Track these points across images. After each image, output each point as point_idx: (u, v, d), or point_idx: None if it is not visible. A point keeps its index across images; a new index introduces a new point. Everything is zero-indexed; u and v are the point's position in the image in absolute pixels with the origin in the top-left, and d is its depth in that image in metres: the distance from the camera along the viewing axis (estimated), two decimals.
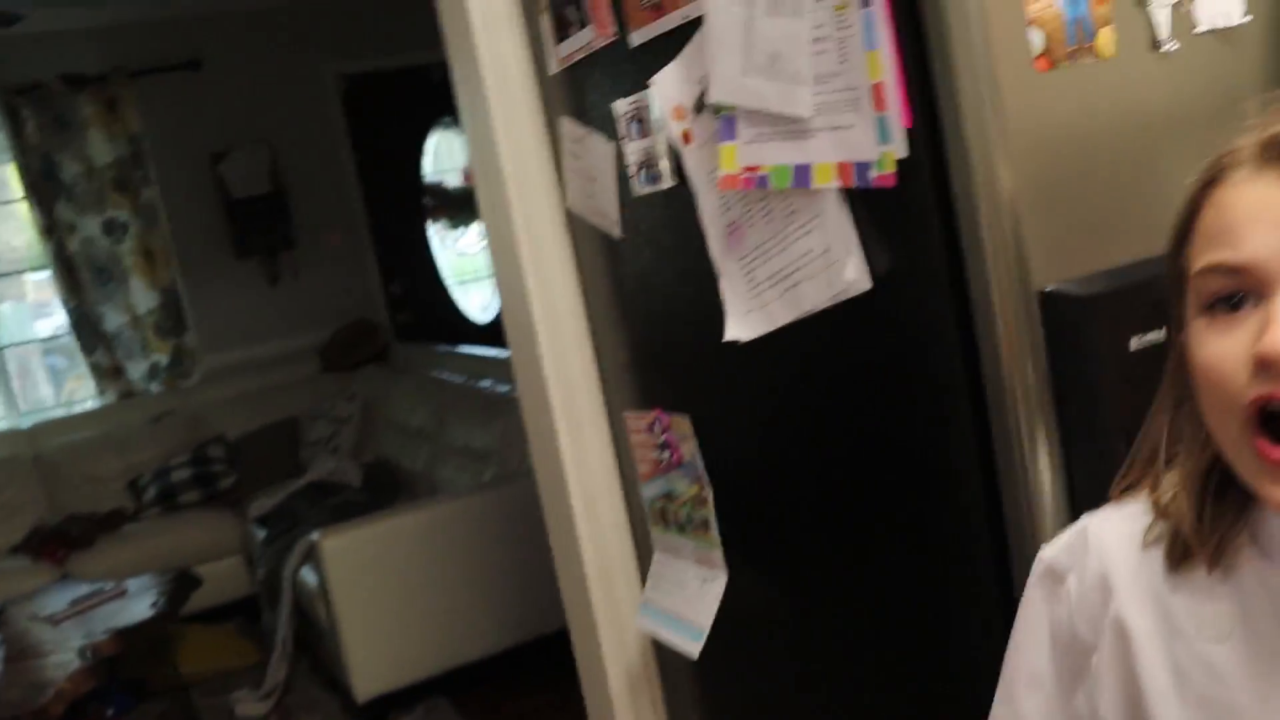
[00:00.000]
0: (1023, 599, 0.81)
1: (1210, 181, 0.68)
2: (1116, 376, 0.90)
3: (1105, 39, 0.92)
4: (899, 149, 0.96)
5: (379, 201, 4.95)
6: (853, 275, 1.03)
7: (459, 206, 5.04)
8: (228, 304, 4.67)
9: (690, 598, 1.44)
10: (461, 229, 5.08)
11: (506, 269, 1.64)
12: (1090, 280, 0.90)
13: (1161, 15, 0.94)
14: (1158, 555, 0.74)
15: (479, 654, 3.36)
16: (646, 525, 1.57)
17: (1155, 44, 0.95)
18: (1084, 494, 0.93)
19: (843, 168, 1.02)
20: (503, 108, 1.55)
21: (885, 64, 0.96)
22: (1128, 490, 0.78)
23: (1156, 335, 0.90)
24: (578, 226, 1.56)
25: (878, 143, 0.98)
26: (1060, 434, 0.92)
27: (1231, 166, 0.67)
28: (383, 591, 3.18)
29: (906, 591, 1.14)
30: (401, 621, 3.22)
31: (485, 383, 3.89)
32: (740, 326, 1.20)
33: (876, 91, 0.97)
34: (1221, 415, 0.66)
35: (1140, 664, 0.73)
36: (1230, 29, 0.97)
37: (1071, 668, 0.78)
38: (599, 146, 1.42)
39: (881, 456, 1.11)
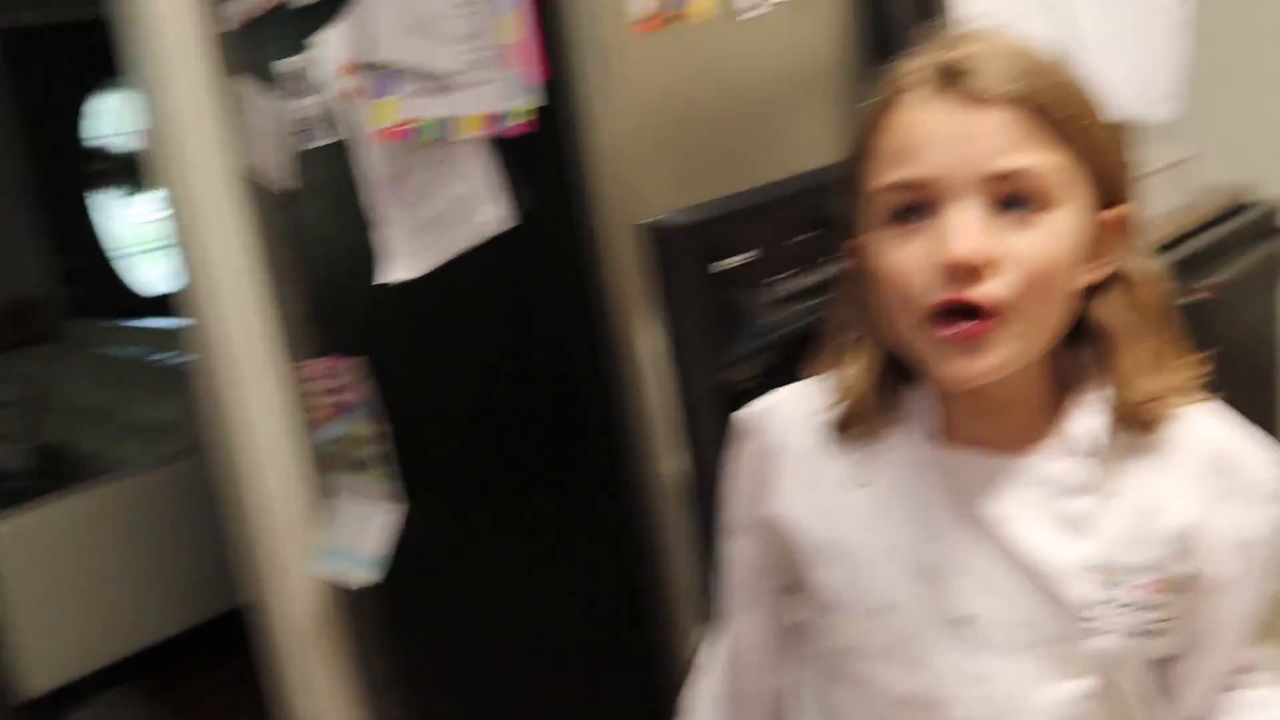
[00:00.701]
0: (726, 455, 0.92)
1: (884, 106, 0.75)
2: (707, 294, 1.10)
3: (696, 6, 1.10)
4: (532, 102, 1.10)
5: (44, 168, 4.61)
6: (494, 216, 1.17)
7: (131, 172, 4.79)
8: None
9: (366, 531, 1.54)
10: (135, 196, 4.83)
11: (183, 230, 1.67)
12: (682, 213, 1.09)
13: None
14: (823, 425, 0.84)
15: (167, 633, 3.26)
16: (321, 472, 1.65)
17: (738, 11, 1.13)
18: (689, 394, 1.11)
19: (485, 119, 1.15)
20: (175, 66, 1.58)
21: (519, 26, 1.10)
22: (814, 369, 0.87)
23: (732, 260, 1.10)
24: (253, 183, 1.62)
25: (514, 97, 1.12)
26: (665, 346, 1.09)
27: (905, 90, 0.74)
28: (58, 578, 3.03)
29: (556, 506, 1.29)
30: (80, 607, 3.08)
31: (165, 355, 3.77)
32: (401, 268, 1.32)
33: (513, 50, 1.11)
34: (903, 312, 0.74)
35: (791, 511, 0.84)
36: None
37: (759, 518, 0.88)
38: (271, 104, 1.48)
39: (525, 380, 1.26)
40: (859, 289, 0.81)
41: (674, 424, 1.11)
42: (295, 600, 1.74)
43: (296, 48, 1.39)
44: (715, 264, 1.10)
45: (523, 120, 1.11)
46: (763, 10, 1.16)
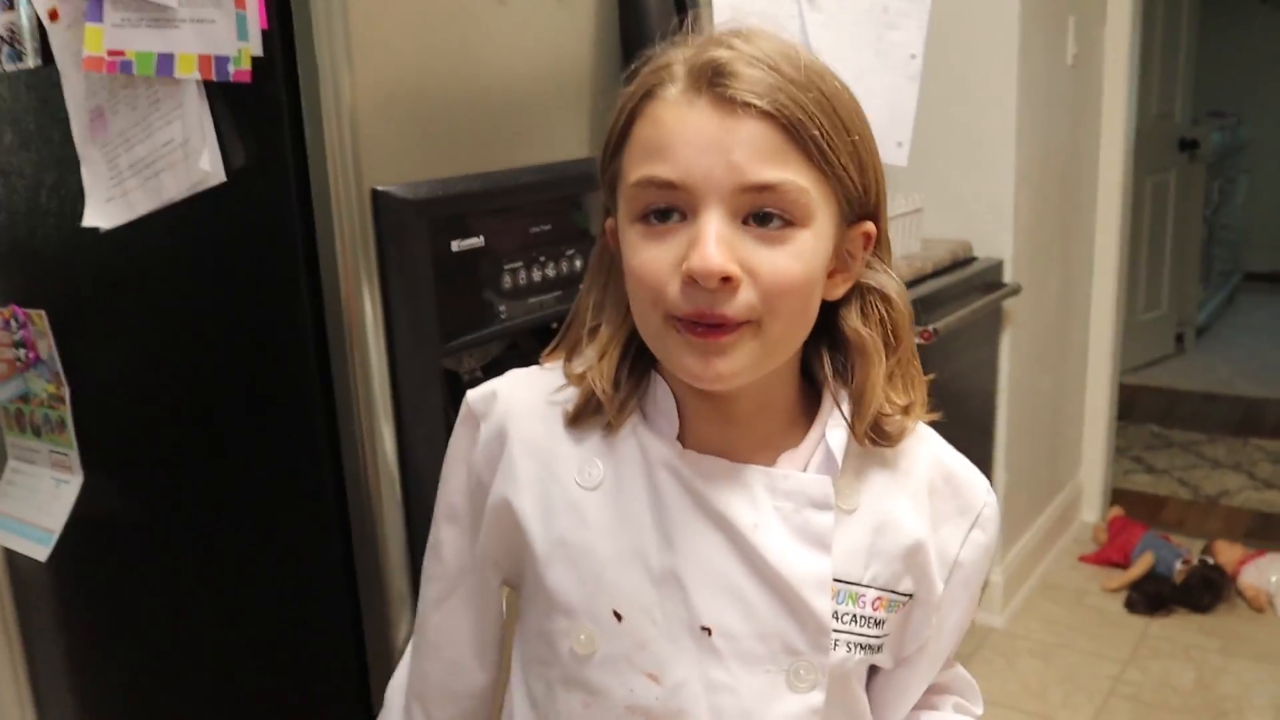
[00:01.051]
0: (451, 437, 0.88)
1: (645, 95, 0.74)
2: (438, 273, 1.03)
3: None
4: (256, 47, 1.01)
5: None
6: (208, 167, 1.06)
7: None
8: None
9: (43, 502, 1.39)
10: None
11: None
12: (419, 186, 1.02)
13: None
14: (558, 414, 0.83)
15: None
16: (1, 432, 1.49)
17: None
18: (407, 375, 1.04)
19: (204, 60, 1.05)
20: None
21: None
22: (553, 356, 0.86)
23: (475, 241, 1.04)
24: None
25: (237, 39, 1.02)
26: (385, 323, 1.02)
27: (665, 83, 0.73)
28: None
29: (251, 490, 1.19)
30: None
31: None
32: (100, 214, 1.19)
33: None
34: (648, 310, 0.74)
35: (519, 503, 0.82)
36: None
37: (479, 506, 0.86)
38: None
39: (231, 349, 1.15)
40: (609, 274, 0.81)
41: (390, 404, 1.04)
42: None
43: None
44: (453, 242, 1.03)
45: (246, 67, 1.01)
46: None
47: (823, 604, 0.77)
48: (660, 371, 0.81)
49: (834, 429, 0.79)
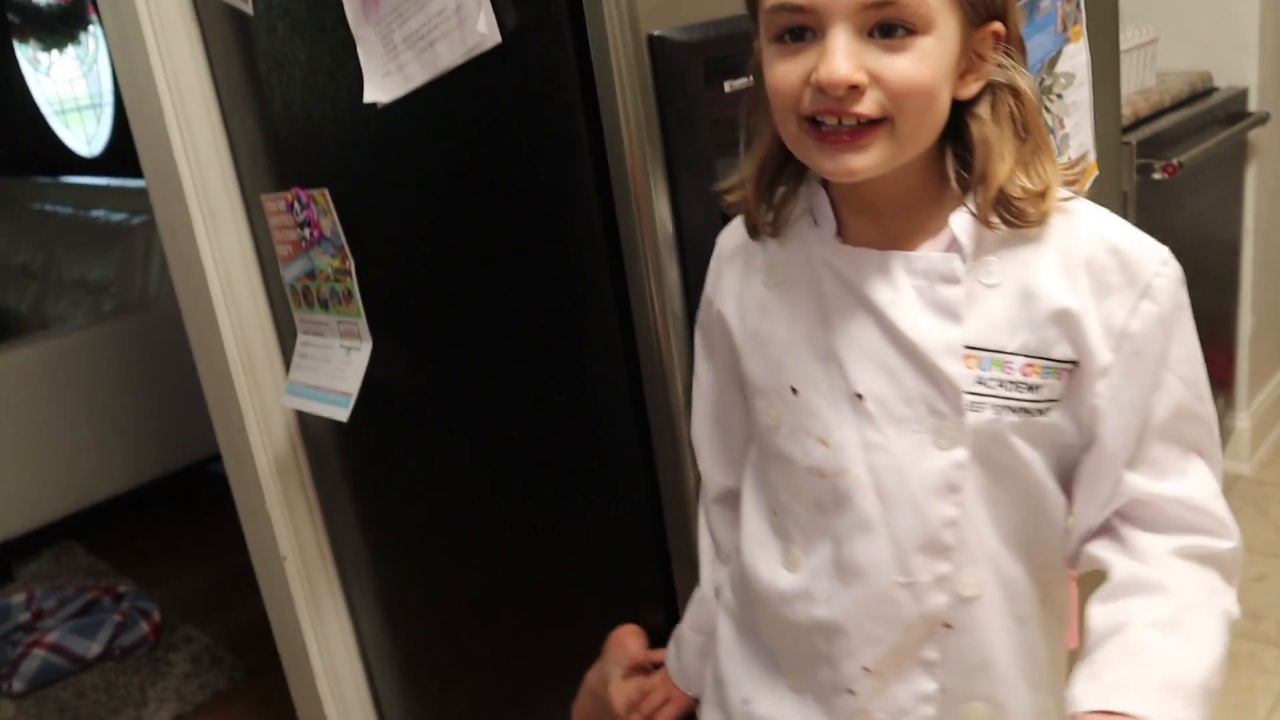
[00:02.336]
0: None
1: None
2: (713, 114, 1.05)
3: None
4: None
5: None
6: (484, 29, 1.10)
7: (50, 26, 4.56)
8: None
9: (336, 369, 1.50)
10: (56, 51, 4.61)
11: (128, 55, 1.57)
12: (692, 29, 1.03)
13: None
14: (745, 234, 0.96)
15: (110, 492, 3.24)
16: (288, 310, 1.60)
17: None
18: (691, 220, 1.07)
19: None
20: None
21: None
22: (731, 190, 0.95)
23: (747, 81, 1.05)
24: (205, 6, 1.52)
25: None
26: (667, 168, 1.05)
27: None
28: None
29: (540, 348, 1.25)
30: (20, 464, 3.03)
31: (98, 213, 3.64)
32: (379, 89, 1.25)
33: None
34: (785, 117, 0.82)
35: (725, 309, 0.97)
36: None
37: (713, 328, 1.01)
38: None
39: (513, 211, 1.21)
40: (760, 91, 0.88)
41: (675, 248, 1.07)
42: (272, 441, 1.70)
43: None
44: (726, 83, 1.05)
45: None
46: None
47: (953, 367, 0.84)
48: (823, 182, 0.90)
49: (959, 214, 0.85)
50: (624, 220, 1.07)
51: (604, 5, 1.01)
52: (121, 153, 4.17)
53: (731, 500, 1.07)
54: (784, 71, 0.80)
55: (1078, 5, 1.53)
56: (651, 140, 1.04)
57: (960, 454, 0.86)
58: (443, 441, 1.46)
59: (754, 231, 0.93)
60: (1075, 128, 1.59)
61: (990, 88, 0.84)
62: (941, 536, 0.88)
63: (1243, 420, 2.75)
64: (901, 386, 0.86)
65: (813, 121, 0.80)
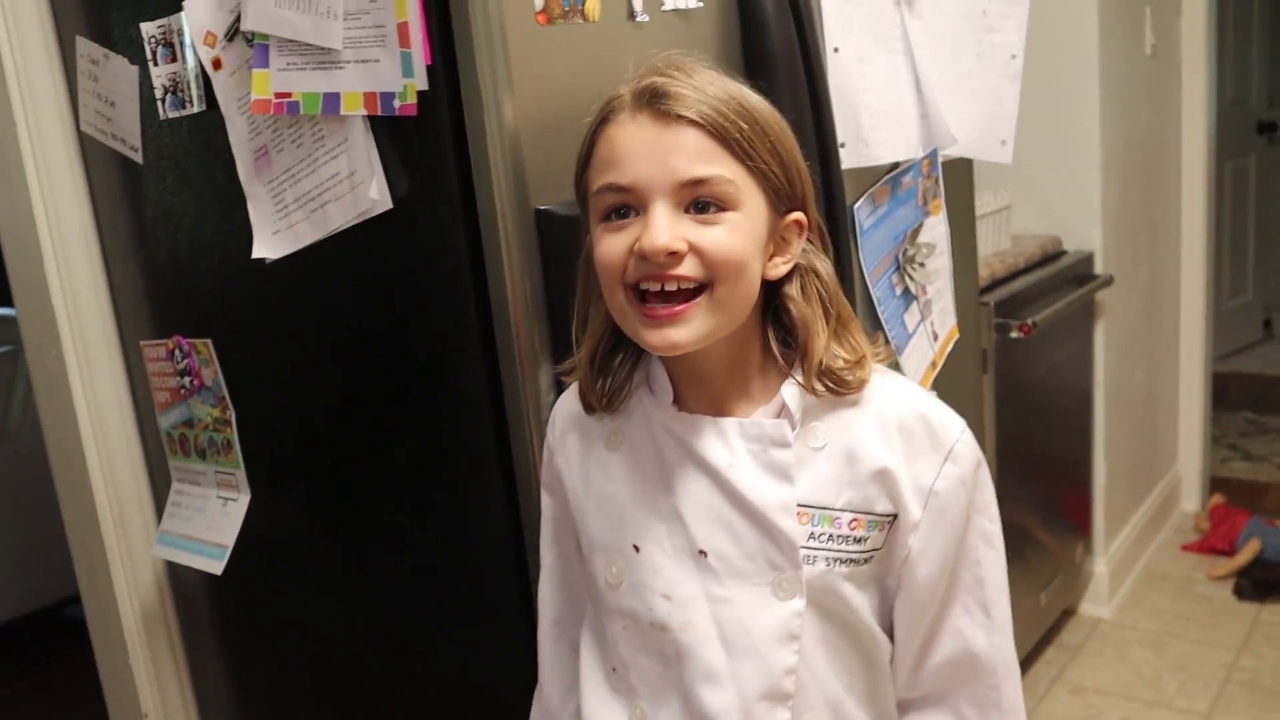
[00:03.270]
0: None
1: (602, 121, 0.90)
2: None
3: (592, 5, 1.11)
4: (420, 82, 1.08)
5: None
6: (376, 195, 1.14)
7: None
8: None
9: (211, 520, 1.47)
10: None
11: (10, 195, 1.56)
12: (575, 204, 1.08)
13: None
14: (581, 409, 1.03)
15: None
16: (163, 458, 1.58)
17: (631, 14, 1.15)
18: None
19: (369, 97, 1.13)
20: (5, 23, 1.49)
21: (410, 6, 1.08)
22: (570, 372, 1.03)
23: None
24: (93, 151, 1.53)
25: (402, 76, 1.10)
26: (550, 333, 1.09)
27: (616, 110, 0.89)
28: None
29: (422, 504, 1.26)
30: None
31: None
32: (268, 246, 1.27)
33: (402, 30, 1.09)
34: (612, 291, 0.90)
35: (568, 477, 1.03)
36: (688, 9, 1.20)
37: (561, 512, 1.06)
38: (122, 69, 1.41)
39: (397, 369, 1.23)
40: (590, 283, 0.97)
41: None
42: (139, 590, 1.65)
43: (159, 11, 1.33)
44: None
45: (411, 101, 1.09)
46: (655, 15, 1.17)
47: (789, 524, 0.91)
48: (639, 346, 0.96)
49: (788, 384, 0.94)
50: (508, 382, 1.11)
51: (493, 178, 1.06)
52: None
53: (562, 629, 1.11)
54: (611, 245, 0.89)
55: (937, 181, 1.65)
56: (536, 307, 1.08)
57: (798, 603, 0.92)
58: (321, 597, 1.44)
59: (589, 408, 1.00)
60: (937, 294, 1.69)
61: (798, 271, 0.95)
62: (782, 684, 0.93)
63: (1100, 565, 2.87)
64: (742, 543, 0.93)
65: (638, 294, 0.89)
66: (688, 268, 0.87)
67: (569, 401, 1.04)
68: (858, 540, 0.93)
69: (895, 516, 0.94)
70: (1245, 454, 3.81)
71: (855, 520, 0.93)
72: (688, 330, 0.88)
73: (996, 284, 2.44)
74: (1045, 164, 2.70)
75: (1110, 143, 2.72)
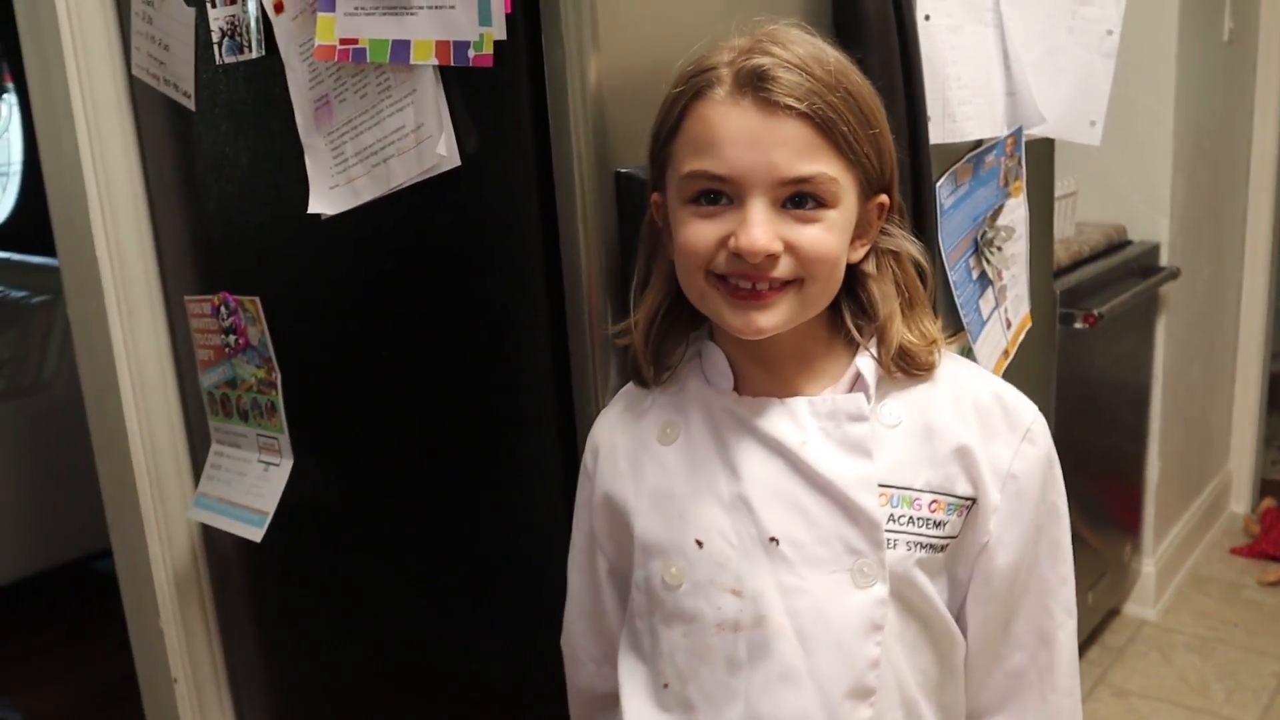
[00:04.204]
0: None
1: (695, 94, 0.84)
2: None
3: None
4: (499, 31, 1.01)
5: None
6: (443, 151, 1.07)
7: None
8: None
9: (252, 485, 1.42)
10: None
11: (57, 140, 1.51)
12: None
13: None
14: (636, 399, 0.98)
15: None
16: (203, 418, 1.52)
17: None
18: None
19: (441, 46, 1.06)
20: None
21: None
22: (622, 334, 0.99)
23: None
24: (144, 97, 1.47)
25: (479, 24, 1.03)
26: (624, 298, 1.02)
27: (713, 84, 0.83)
28: None
29: (474, 484, 1.20)
30: None
31: None
32: (324, 201, 1.21)
33: None
34: (694, 274, 0.87)
35: (617, 484, 0.96)
36: None
37: (593, 528, 1.00)
38: (178, 10, 1.34)
39: (455, 340, 1.16)
40: (654, 244, 0.94)
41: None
42: (173, 553, 1.61)
43: None
44: None
45: (488, 51, 1.02)
46: None
47: (870, 502, 0.86)
48: (713, 338, 0.94)
49: (862, 357, 0.91)
50: (576, 361, 1.04)
51: (572, 138, 0.99)
52: (26, 227, 4.02)
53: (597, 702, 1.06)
54: (700, 232, 0.85)
55: (1019, 161, 1.57)
56: (612, 274, 1.01)
57: (881, 590, 0.87)
58: (362, 569, 1.38)
59: (641, 381, 0.97)
60: (1012, 280, 1.61)
61: (875, 251, 0.92)
62: (867, 679, 0.87)
63: (1148, 565, 2.79)
64: (817, 527, 0.87)
65: (721, 278, 0.85)
66: (782, 268, 0.84)
67: (610, 416, 1.00)
68: (937, 524, 0.89)
69: (974, 501, 0.90)
70: None
71: (935, 502, 0.89)
72: (775, 316, 0.85)
73: (1061, 272, 2.35)
74: (1113, 150, 2.59)
75: (1182, 131, 2.62)
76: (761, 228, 0.82)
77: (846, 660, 0.87)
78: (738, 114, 0.82)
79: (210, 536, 1.61)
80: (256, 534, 1.38)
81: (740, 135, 0.82)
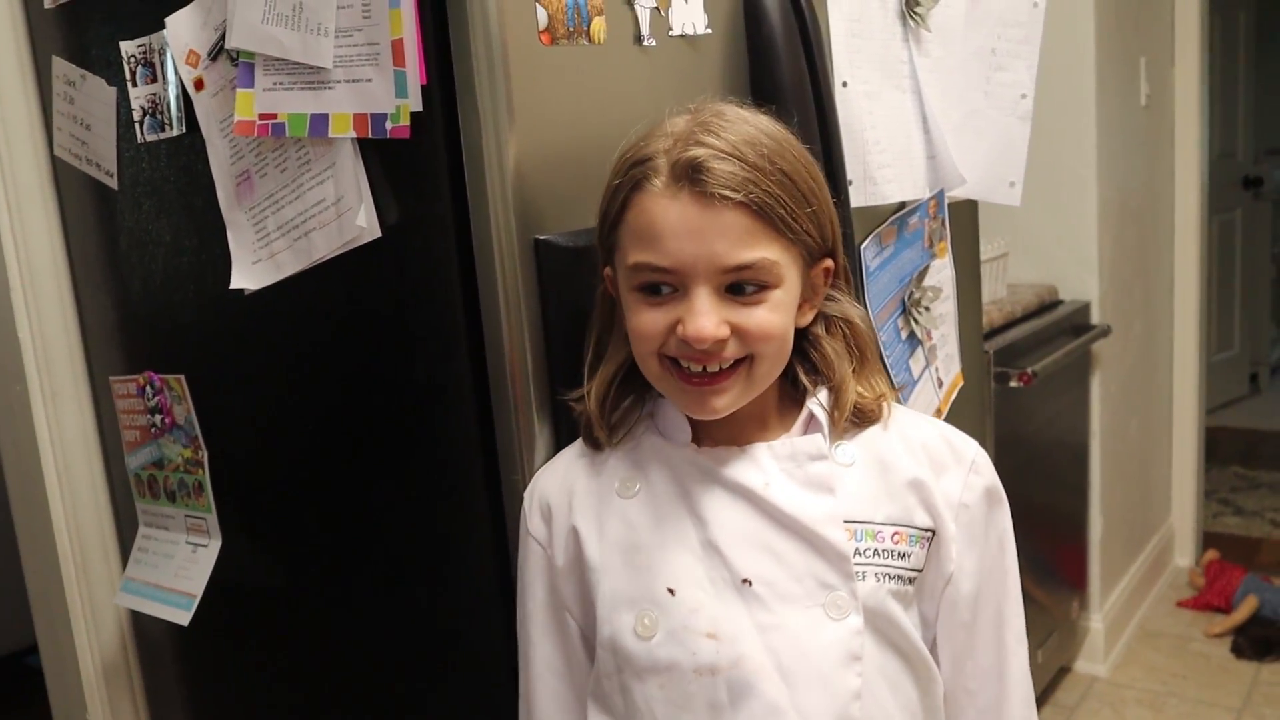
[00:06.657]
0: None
1: (634, 186, 0.87)
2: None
3: (598, 26, 1.05)
4: (415, 103, 1.02)
5: None
6: (363, 223, 1.07)
7: None
8: None
9: (179, 567, 1.39)
10: None
11: None
12: (578, 234, 1.02)
13: (644, 15, 1.09)
14: (588, 456, 0.99)
15: None
16: (130, 500, 1.49)
17: (638, 38, 1.09)
18: (571, 425, 1.03)
19: (359, 119, 1.06)
20: None
21: (407, 22, 1.02)
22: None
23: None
24: (66, 176, 1.46)
25: (394, 96, 1.03)
26: (548, 371, 1.02)
27: (650, 177, 0.86)
28: None
29: (406, 553, 1.18)
30: None
31: None
32: (247, 276, 1.20)
33: (397, 47, 1.03)
34: (647, 358, 0.90)
35: (581, 530, 0.95)
36: (696, 36, 1.15)
37: (557, 592, 0.98)
38: (99, 90, 1.34)
39: (382, 409, 1.15)
40: (608, 313, 0.96)
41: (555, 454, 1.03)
42: (100, 641, 1.56)
43: (140, 31, 1.27)
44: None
45: (404, 123, 1.03)
46: (662, 40, 1.12)
47: (838, 535, 0.89)
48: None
49: (812, 401, 0.94)
50: (501, 423, 1.03)
51: (490, 207, 0.99)
52: None
53: None
54: (649, 320, 0.88)
55: (943, 223, 1.60)
56: (535, 344, 1.01)
57: (855, 621, 0.89)
58: (295, 652, 1.35)
59: (594, 443, 0.97)
60: (942, 339, 1.63)
61: (822, 316, 0.95)
62: (851, 710, 0.88)
63: (1096, 622, 2.80)
64: (788, 565, 0.89)
65: (674, 361, 0.88)
66: (731, 349, 0.87)
67: (556, 473, 1.00)
68: (902, 555, 0.91)
69: (934, 533, 0.93)
70: (1237, 509, 3.76)
71: (898, 534, 0.91)
72: (728, 397, 0.88)
73: (994, 332, 2.39)
74: (1042, 212, 2.66)
75: (1106, 192, 2.69)
76: (706, 316, 0.84)
77: (829, 692, 0.88)
78: (676, 207, 0.84)
79: (140, 623, 1.56)
80: (184, 617, 1.34)
81: (680, 228, 0.84)
